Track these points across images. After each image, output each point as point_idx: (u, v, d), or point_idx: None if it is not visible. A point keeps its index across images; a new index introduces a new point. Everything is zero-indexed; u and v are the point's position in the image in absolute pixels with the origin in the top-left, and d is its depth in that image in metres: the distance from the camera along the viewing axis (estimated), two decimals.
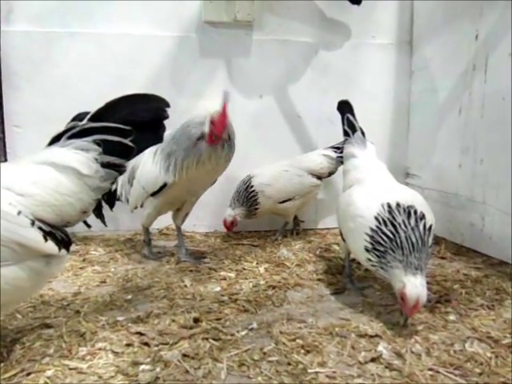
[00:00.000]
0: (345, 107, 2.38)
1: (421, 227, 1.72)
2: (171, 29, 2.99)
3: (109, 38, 2.92)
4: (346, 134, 2.34)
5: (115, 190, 2.57)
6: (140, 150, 1.65)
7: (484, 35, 2.55)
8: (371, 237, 1.74)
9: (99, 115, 1.56)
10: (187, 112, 2.97)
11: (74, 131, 1.52)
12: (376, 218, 1.75)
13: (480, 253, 2.60)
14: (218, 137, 2.14)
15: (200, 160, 2.18)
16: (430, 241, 1.74)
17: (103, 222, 2.42)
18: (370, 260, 1.76)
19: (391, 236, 1.70)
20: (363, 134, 2.30)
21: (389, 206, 1.77)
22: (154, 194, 2.37)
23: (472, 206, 2.66)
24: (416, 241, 1.68)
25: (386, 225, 1.73)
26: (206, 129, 2.13)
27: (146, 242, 2.61)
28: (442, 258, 2.59)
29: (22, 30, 2.83)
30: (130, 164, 2.40)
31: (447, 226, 2.87)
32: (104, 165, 1.53)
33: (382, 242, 1.71)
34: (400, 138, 3.37)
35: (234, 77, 3.10)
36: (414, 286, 1.62)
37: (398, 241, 1.68)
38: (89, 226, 2.21)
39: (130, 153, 1.58)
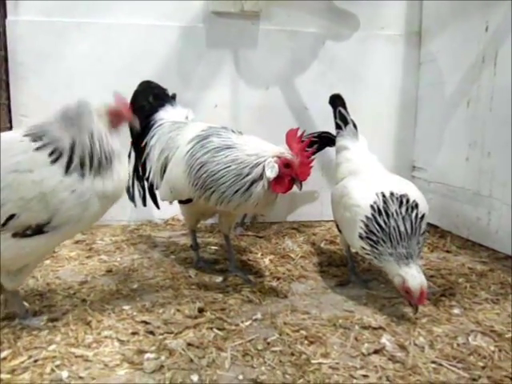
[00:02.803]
0: (337, 101, 2.41)
1: (413, 216, 1.76)
2: (178, 19, 2.98)
3: (115, 28, 2.91)
4: (338, 127, 2.37)
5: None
6: None
7: (494, 27, 2.52)
8: (366, 225, 1.78)
9: None
10: (193, 102, 3.00)
11: None
12: (372, 207, 1.79)
13: (485, 247, 2.59)
14: (301, 181, 1.76)
15: (245, 204, 1.83)
16: (423, 228, 1.77)
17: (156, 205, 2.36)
18: (364, 248, 1.80)
19: (383, 225, 1.74)
20: (355, 126, 2.32)
21: (383, 195, 1.81)
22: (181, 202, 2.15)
23: (478, 200, 2.64)
24: (405, 230, 1.72)
25: (380, 214, 1.76)
26: (272, 173, 1.76)
27: (193, 247, 2.33)
28: (448, 251, 2.59)
29: (28, 19, 2.82)
30: (164, 151, 2.15)
31: (453, 219, 2.86)
32: None
33: (375, 231, 1.75)
34: (407, 131, 3.34)
35: (241, 68, 3.09)
36: (413, 276, 1.65)
37: (387, 231, 1.72)
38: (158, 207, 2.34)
39: None
